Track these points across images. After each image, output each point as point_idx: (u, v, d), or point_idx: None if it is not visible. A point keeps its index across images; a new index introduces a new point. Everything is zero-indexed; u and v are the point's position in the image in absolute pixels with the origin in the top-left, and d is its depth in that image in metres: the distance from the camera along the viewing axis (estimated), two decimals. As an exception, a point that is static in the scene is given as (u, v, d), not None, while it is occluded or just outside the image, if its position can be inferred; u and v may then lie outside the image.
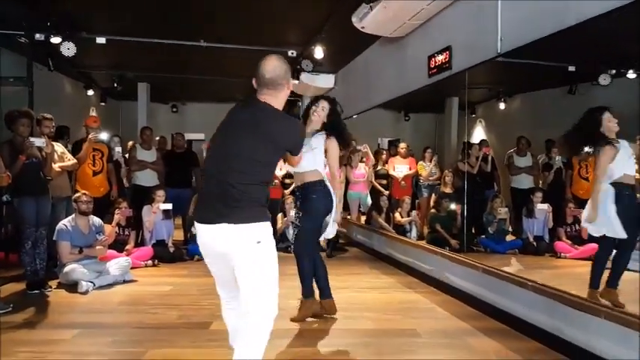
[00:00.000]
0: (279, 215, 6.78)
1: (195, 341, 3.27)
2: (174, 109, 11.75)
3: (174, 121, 11.33)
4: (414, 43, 5.26)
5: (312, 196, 3.57)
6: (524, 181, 5.67)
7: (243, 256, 2.17)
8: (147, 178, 6.46)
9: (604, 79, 4.64)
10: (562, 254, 4.87)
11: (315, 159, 3.52)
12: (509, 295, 3.62)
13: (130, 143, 6.77)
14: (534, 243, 5.19)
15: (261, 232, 2.19)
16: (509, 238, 5.39)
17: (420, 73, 4.99)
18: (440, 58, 4.61)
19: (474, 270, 4.05)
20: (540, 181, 5.64)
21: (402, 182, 7.04)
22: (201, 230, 2.26)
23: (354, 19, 4.96)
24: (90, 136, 5.54)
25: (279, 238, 6.50)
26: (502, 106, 6.26)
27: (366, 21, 4.86)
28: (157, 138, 7.80)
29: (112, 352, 3.09)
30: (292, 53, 6.55)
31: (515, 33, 3.59)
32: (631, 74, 4.49)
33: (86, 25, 5.91)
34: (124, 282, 4.86)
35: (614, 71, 4.62)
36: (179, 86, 10.00)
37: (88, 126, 5.76)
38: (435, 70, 4.72)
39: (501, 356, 3.09)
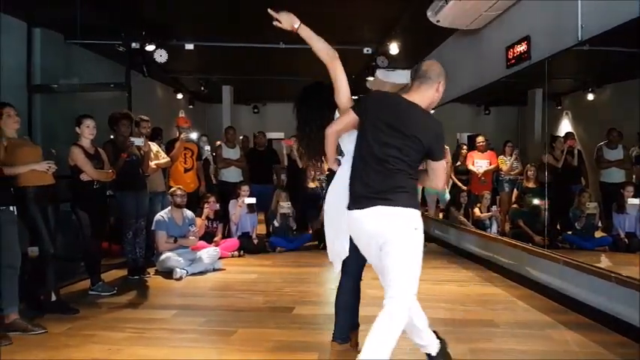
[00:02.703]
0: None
1: (280, 323, 3.50)
2: (256, 110, 12.18)
3: (256, 121, 11.72)
4: (491, 34, 5.18)
5: None
6: (615, 175, 5.37)
7: None
8: (232, 174, 6.86)
9: None
10: None
11: None
12: (592, 288, 3.52)
13: (218, 143, 7.20)
14: (626, 240, 4.92)
15: None
16: (599, 234, 5.12)
17: (498, 64, 4.91)
18: (518, 48, 4.52)
19: (554, 263, 3.96)
20: (634, 175, 5.36)
21: (482, 178, 6.93)
22: None
23: (429, 14, 4.96)
24: (182, 136, 5.98)
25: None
26: (590, 97, 5.98)
27: (442, 15, 4.84)
28: (240, 137, 8.23)
29: (207, 331, 3.40)
30: (367, 50, 6.62)
31: (596, 19, 3.47)
32: None
33: (176, 33, 6.39)
34: (214, 270, 5.24)
35: None
36: (260, 88, 10.38)
37: (180, 126, 6.20)
38: (513, 61, 4.63)
39: (583, 347, 3.04)
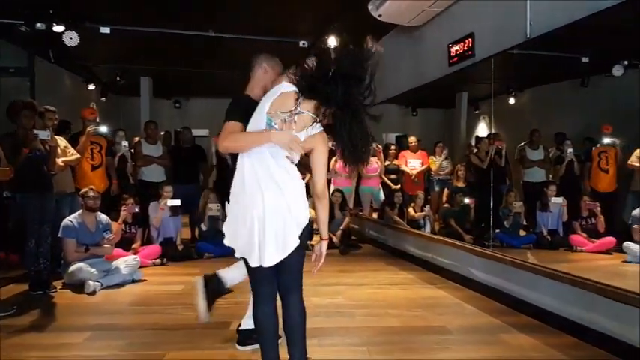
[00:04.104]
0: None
1: (216, 342, 3.11)
2: (177, 105, 11.56)
3: (177, 117, 11.15)
4: (433, 31, 5.09)
5: None
6: (537, 175, 5.64)
7: None
8: (153, 173, 6.30)
9: (617, 70, 4.58)
10: (578, 248, 4.85)
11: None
12: (541, 289, 3.49)
13: (137, 139, 6.60)
14: (548, 237, 5.14)
15: None
16: (522, 232, 5.33)
17: (440, 62, 4.83)
18: (462, 46, 4.44)
19: (501, 264, 3.90)
20: (550, 175, 5.58)
21: (416, 179, 6.98)
22: None
23: (370, 7, 4.79)
24: (88, 129, 5.36)
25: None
26: (511, 100, 6.16)
27: (383, 9, 4.69)
28: (162, 133, 7.65)
29: (129, 355, 2.92)
30: (303, 44, 6.37)
31: (544, 18, 3.44)
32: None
33: (89, 14, 5.72)
34: (133, 281, 4.70)
35: (626, 62, 4.55)
36: (183, 81, 9.83)
37: (85, 118, 5.57)
38: (456, 59, 4.56)
39: (540, 352, 2.97)
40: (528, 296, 3.62)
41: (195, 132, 7.69)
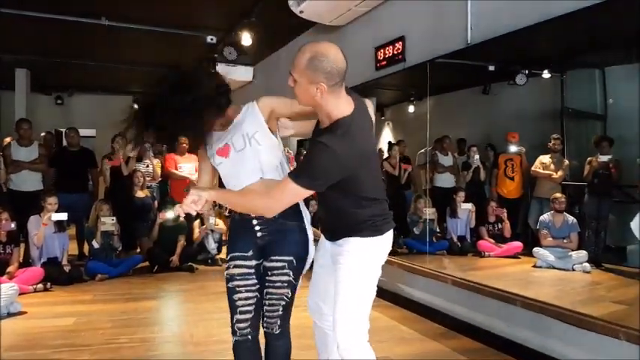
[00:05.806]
0: (196, 222, 6.03)
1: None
2: (59, 101, 10.40)
3: (59, 114, 10.06)
4: (358, 32, 4.84)
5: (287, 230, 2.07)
6: (447, 180, 5.70)
7: None
8: (25, 181, 5.46)
9: (520, 79, 4.74)
10: (486, 253, 4.91)
11: (259, 156, 1.98)
12: (487, 310, 3.36)
13: (7, 140, 5.62)
14: (458, 243, 5.18)
15: None
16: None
17: (366, 66, 4.59)
18: (391, 49, 4.24)
19: (441, 282, 3.75)
20: (455, 180, 5.69)
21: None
22: None
23: (290, 3, 4.43)
24: None
25: (197, 248, 5.84)
26: (412, 108, 6.21)
27: (306, 5, 4.35)
28: (43, 134, 6.64)
29: None
30: (212, 39, 5.83)
31: (484, 24, 3.32)
32: (546, 74, 4.63)
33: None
34: (9, 315, 3.90)
35: (527, 71, 4.72)
36: (66, 74, 8.81)
37: None
38: (384, 63, 4.35)
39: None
40: (470, 317, 3.49)
41: (81, 132, 6.78)
